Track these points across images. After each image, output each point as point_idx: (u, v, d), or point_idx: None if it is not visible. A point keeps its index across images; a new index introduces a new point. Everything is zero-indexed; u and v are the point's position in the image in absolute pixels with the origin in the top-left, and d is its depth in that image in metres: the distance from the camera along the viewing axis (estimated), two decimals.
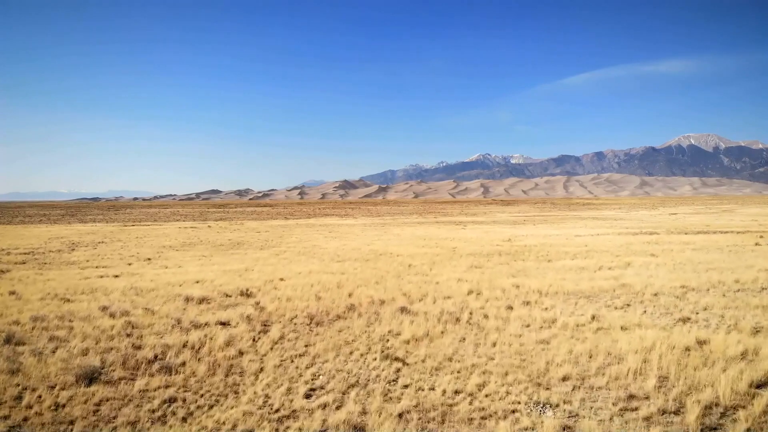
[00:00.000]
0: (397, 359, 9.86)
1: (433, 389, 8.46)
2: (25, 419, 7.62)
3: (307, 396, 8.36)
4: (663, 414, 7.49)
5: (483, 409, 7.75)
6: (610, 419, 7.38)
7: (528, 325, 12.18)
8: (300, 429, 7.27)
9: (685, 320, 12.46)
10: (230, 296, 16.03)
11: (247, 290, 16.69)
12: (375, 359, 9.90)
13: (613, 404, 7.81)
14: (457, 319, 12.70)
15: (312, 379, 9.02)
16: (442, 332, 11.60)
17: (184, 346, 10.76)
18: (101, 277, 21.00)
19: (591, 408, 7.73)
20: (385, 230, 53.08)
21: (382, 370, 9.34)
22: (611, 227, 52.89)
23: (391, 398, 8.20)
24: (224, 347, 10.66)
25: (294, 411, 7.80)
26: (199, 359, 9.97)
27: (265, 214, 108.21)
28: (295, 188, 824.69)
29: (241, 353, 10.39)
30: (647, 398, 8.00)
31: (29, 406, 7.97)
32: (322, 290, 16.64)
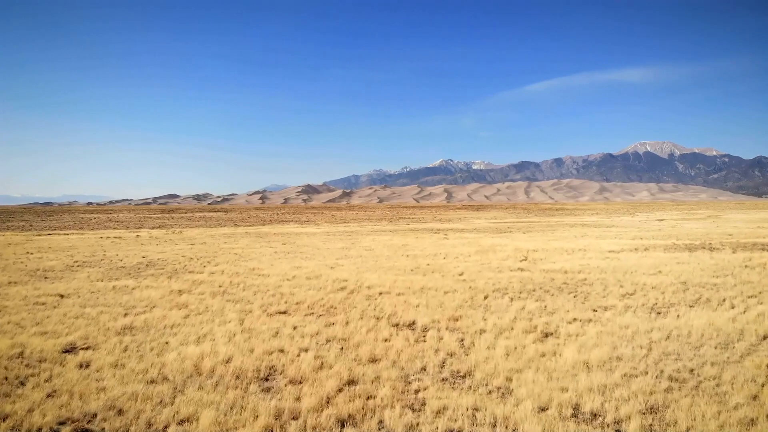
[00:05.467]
0: None
1: None
2: None
3: None
4: None
5: None
6: None
7: None
8: None
9: None
10: None
11: None
12: None
13: None
14: None
15: None
16: None
17: None
18: None
19: None
20: (353, 241, 42.21)
21: None
22: (622, 237, 43.46)
23: None
24: None
25: None
26: None
27: (214, 221, 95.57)
28: (257, 192, 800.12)
29: None
30: None
31: None
32: None
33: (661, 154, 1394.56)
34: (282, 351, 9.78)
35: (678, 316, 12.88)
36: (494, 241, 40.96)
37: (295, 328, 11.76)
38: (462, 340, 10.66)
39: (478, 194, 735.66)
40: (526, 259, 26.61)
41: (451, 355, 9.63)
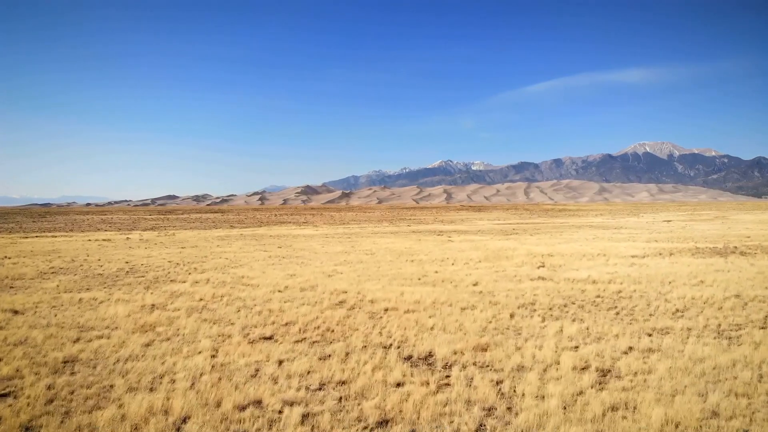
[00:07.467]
0: None
1: None
2: None
3: None
4: None
5: None
6: None
7: None
8: None
9: None
10: None
11: None
12: None
13: None
14: None
15: None
16: None
17: None
18: None
19: None
20: (352, 244, 39.77)
21: None
22: (636, 239, 41.07)
23: None
24: None
25: None
26: None
27: (210, 222, 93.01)
28: (256, 193, 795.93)
29: None
30: None
31: None
32: None
33: (661, 154, 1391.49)
34: (259, 404, 7.26)
35: (756, 343, 10.42)
36: (503, 244, 38.54)
37: (280, 363, 9.24)
38: (499, 383, 8.14)
39: (477, 195, 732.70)
40: (543, 266, 24.17)
41: (490, 411, 7.11)
